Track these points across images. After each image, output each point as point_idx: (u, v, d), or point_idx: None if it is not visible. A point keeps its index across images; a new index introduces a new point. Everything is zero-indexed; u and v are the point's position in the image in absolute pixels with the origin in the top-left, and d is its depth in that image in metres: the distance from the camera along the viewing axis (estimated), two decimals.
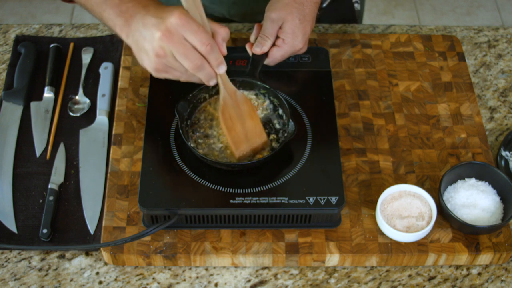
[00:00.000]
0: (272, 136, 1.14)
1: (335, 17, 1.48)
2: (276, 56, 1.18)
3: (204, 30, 0.98)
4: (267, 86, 1.17)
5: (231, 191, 1.07)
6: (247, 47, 1.20)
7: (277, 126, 1.16)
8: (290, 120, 1.11)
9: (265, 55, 1.18)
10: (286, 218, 1.08)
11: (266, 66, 1.22)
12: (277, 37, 1.18)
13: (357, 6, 1.56)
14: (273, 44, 1.18)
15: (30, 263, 1.10)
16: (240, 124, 1.11)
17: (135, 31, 1.01)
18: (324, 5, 1.26)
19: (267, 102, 1.18)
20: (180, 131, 1.09)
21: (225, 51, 1.03)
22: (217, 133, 1.14)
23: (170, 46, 0.97)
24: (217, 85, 1.07)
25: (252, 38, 1.21)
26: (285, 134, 1.12)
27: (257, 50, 1.17)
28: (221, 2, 1.49)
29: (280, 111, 1.16)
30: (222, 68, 1.02)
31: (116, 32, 1.06)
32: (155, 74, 1.04)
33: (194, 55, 0.98)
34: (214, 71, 1.03)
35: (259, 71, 1.19)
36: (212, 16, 1.54)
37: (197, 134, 1.14)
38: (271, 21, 1.16)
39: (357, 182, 1.16)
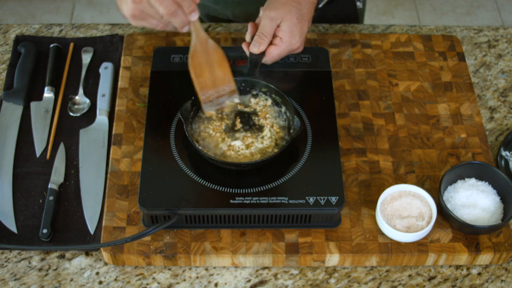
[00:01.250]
0: (278, 134, 1.14)
1: (337, 16, 1.48)
2: (273, 55, 1.19)
3: None
4: (268, 85, 1.17)
5: (231, 191, 1.07)
6: (244, 46, 1.20)
7: (282, 123, 1.16)
8: (296, 116, 1.11)
9: (263, 53, 1.18)
10: (286, 218, 1.08)
11: (266, 66, 1.22)
12: (274, 36, 1.18)
13: (359, 4, 1.55)
14: (271, 43, 1.18)
15: (30, 263, 1.10)
16: (208, 71, 1.13)
17: None
18: (320, 5, 1.26)
19: (270, 101, 1.18)
20: (187, 134, 1.09)
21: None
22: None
23: None
24: None
25: (247, 37, 1.21)
26: (291, 131, 1.12)
27: (255, 49, 1.17)
28: (225, 3, 1.49)
29: (284, 109, 1.16)
30: (194, 15, 1.08)
31: None
32: (133, 21, 1.09)
33: (167, 1, 1.03)
34: (187, 18, 1.07)
35: (259, 70, 1.19)
36: (217, 18, 1.54)
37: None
38: (269, 20, 1.16)
39: (357, 182, 1.16)
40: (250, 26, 1.21)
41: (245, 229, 1.10)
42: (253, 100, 1.18)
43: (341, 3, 1.51)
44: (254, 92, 1.18)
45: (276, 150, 1.10)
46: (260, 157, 1.10)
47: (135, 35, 1.36)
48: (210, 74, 1.13)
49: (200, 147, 1.10)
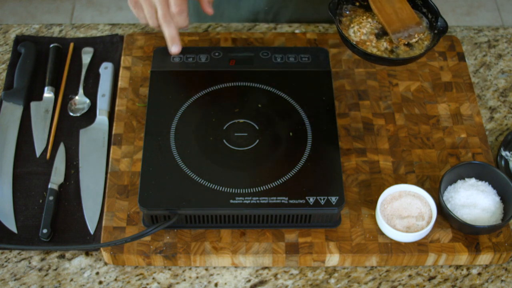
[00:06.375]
0: (420, 34, 1.16)
1: None
2: None
3: None
4: None
5: (231, 191, 1.07)
6: None
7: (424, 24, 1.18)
8: (440, 16, 1.14)
9: None
10: (286, 218, 1.09)
11: (266, 66, 1.21)
12: None
13: None
14: None
15: (30, 263, 1.10)
16: (389, 6, 1.16)
17: None
18: None
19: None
20: (340, 31, 1.13)
21: None
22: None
23: None
24: None
25: None
26: (435, 31, 1.15)
27: None
28: None
29: (424, 10, 1.19)
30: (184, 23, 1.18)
31: None
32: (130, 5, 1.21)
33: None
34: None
35: None
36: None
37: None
38: None
39: (357, 182, 1.16)
40: None
41: (245, 229, 1.10)
42: None
43: None
44: None
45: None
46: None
47: (135, 35, 1.36)
48: (391, 9, 1.16)
49: (353, 42, 1.13)
